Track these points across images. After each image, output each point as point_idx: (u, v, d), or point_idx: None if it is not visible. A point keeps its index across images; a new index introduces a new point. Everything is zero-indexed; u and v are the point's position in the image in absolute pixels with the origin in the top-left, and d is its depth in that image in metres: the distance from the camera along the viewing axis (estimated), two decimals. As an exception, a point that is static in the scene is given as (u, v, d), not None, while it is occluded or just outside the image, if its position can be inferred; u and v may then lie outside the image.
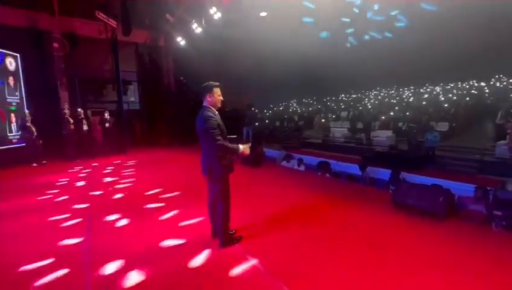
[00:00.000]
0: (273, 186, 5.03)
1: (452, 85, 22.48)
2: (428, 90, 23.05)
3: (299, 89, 28.92)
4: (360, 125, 14.90)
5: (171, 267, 2.35)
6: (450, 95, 18.79)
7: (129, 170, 6.71)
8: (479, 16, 19.11)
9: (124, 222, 3.41)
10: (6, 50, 8.13)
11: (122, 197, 4.53)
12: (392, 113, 15.44)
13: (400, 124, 13.53)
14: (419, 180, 6.10)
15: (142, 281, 2.15)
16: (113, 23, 8.58)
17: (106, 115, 9.29)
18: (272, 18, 12.41)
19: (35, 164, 7.65)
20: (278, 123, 19.38)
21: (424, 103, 17.31)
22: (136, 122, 13.15)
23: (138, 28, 11.10)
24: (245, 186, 4.94)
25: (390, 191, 4.87)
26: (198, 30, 9.99)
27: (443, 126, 12.09)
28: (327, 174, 7.05)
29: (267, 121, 19.88)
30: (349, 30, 21.07)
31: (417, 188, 3.56)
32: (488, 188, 4.05)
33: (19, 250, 2.75)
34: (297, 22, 17.97)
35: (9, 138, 8.04)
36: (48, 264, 2.45)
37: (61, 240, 2.92)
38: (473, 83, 22.37)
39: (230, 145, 2.53)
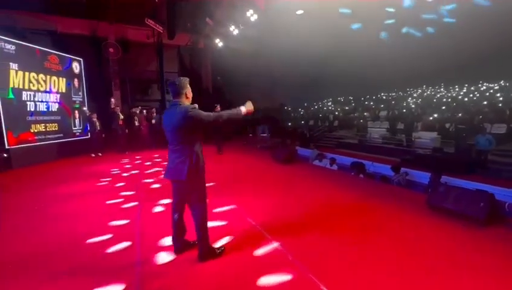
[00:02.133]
0: (304, 184, 5.10)
1: (507, 84, 19.94)
2: (484, 88, 20.71)
3: (334, 88, 28.14)
4: (400, 125, 14.05)
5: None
6: (512, 94, 16.70)
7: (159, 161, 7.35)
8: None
9: (159, 209, 3.83)
10: (73, 55, 9.43)
11: (160, 187, 5.02)
12: (436, 115, 14.27)
13: (447, 125, 12.46)
14: (465, 186, 5.67)
15: (180, 257, 2.48)
16: (160, 28, 9.39)
17: (152, 112, 10.23)
18: (308, 16, 12.34)
19: (93, 155, 8.75)
20: (312, 122, 19.17)
21: (476, 102, 15.66)
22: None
23: (180, 32, 11.93)
24: (275, 184, 5.13)
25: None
26: (235, 32, 10.41)
27: (500, 128, 10.85)
28: (361, 175, 6.90)
29: (302, 122, 19.75)
30: (389, 21, 19.82)
31: (456, 191, 3.38)
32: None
33: (84, 226, 3.29)
34: (334, 17, 17.52)
35: (74, 131, 9.33)
36: (109, 239, 2.92)
37: (116, 220, 3.42)
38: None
39: (230, 111, 2.30)
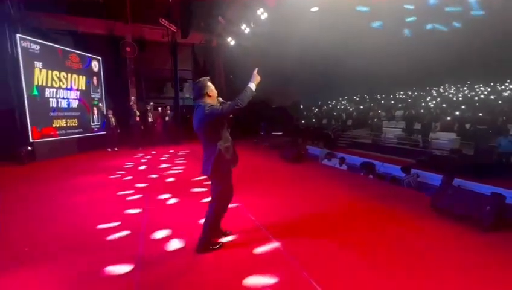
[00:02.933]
0: (310, 184, 5.08)
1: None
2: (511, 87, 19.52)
3: (350, 86, 27.52)
4: (417, 125, 13.59)
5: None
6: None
7: (181, 159, 7.55)
8: None
9: (173, 200, 4.01)
10: (92, 54, 9.89)
11: (173, 181, 5.22)
12: (457, 114, 13.65)
13: (468, 125, 11.91)
14: (481, 189, 5.43)
15: (181, 248, 2.61)
16: (173, 28, 9.64)
17: (166, 109, 10.56)
18: (322, 13, 12.14)
19: (109, 149, 9.16)
20: (325, 121, 18.91)
21: (505, 101, 14.78)
22: (190, 116, 14.43)
23: (194, 31, 12.16)
24: (280, 183, 5.17)
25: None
26: (247, 31, 10.48)
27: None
28: (370, 175, 6.78)
29: (313, 120, 19.54)
30: (410, 19, 19.08)
31: (462, 193, 3.28)
32: None
33: (95, 214, 3.51)
34: (350, 13, 17.11)
35: (92, 126, 9.81)
36: (116, 226, 3.11)
37: (126, 210, 3.62)
38: None
39: (242, 94, 2.25)
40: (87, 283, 2.10)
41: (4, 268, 2.31)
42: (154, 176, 5.62)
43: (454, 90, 22.51)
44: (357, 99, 27.96)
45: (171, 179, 5.30)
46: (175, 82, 11.17)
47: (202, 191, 4.39)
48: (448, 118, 12.83)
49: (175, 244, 2.67)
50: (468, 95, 18.12)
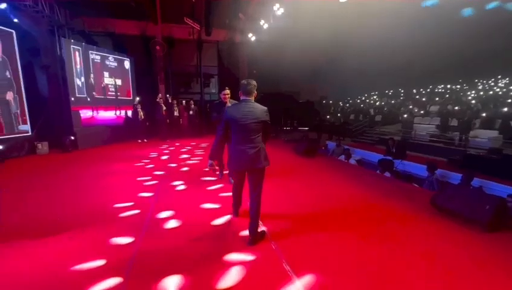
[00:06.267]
0: (315, 177, 5.16)
1: None
2: None
3: (382, 79, 25.96)
4: (453, 122, 12.54)
5: (201, 221, 3.08)
6: None
7: (200, 151, 8.03)
8: None
9: (182, 187, 4.42)
10: (126, 54, 10.83)
11: (188, 170, 5.65)
12: (506, 109, 12.27)
13: (512, 123, 10.69)
14: (507, 191, 4.99)
15: (178, 226, 2.96)
16: (197, 26, 10.12)
17: (191, 103, 11.18)
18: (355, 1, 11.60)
19: (139, 141, 10.02)
20: (352, 116, 18.27)
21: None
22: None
23: (218, 28, 12.56)
24: (285, 174, 5.30)
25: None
26: (265, 26, 10.56)
27: None
28: (386, 173, 6.57)
29: (338, 115, 18.98)
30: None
31: (465, 192, 3.15)
32: None
33: (114, 195, 4.04)
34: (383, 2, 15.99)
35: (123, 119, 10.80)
36: (129, 206, 3.58)
37: (140, 193, 4.10)
38: None
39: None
40: (97, 249, 2.53)
41: (43, 234, 2.86)
42: (172, 165, 6.13)
43: (505, 83, 20.00)
44: (390, 93, 26.31)
45: (186, 169, 5.74)
46: (199, 78, 11.72)
47: (211, 180, 4.73)
48: (484, 114, 11.63)
49: (173, 223, 3.04)
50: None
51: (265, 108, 2.55)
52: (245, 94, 2.56)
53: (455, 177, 6.58)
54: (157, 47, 11.68)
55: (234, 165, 2.60)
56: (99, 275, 2.11)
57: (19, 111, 7.40)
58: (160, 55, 11.82)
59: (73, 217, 3.28)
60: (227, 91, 4.21)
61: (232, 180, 3.45)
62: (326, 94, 22.39)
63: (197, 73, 13.04)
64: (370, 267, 2.20)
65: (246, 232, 2.71)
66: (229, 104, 3.95)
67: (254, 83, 2.58)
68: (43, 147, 7.81)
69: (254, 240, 2.54)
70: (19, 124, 7.42)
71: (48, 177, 5.26)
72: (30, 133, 7.71)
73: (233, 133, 2.54)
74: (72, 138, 8.22)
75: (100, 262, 2.29)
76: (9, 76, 7.16)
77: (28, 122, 7.68)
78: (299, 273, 2.11)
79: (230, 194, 3.22)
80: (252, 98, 2.57)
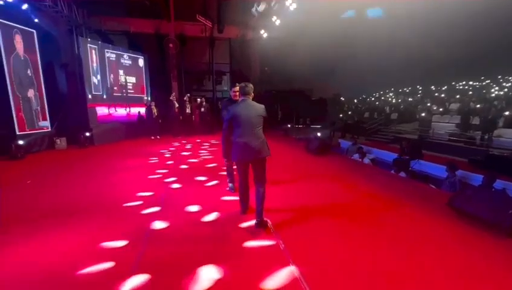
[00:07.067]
0: (332, 178, 4.96)
1: None
2: None
3: (399, 76, 25.04)
4: (475, 120, 11.94)
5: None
6: None
7: (206, 146, 8.09)
8: None
9: (176, 185, 4.42)
10: (140, 51, 11.05)
11: (187, 167, 5.69)
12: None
13: (542, 121, 10.05)
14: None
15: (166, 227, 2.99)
16: (209, 23, 10.16)
17: (202, 101, 11.26)
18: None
19: (152, 137, 10.21)
20: (367, 114, 17.80)
21: None
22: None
23: (231, 25, 12.54)
24: (293, 173, 5.21)
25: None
26: (277, 22, 10.42)
27: None
28: (401, 173, 6.33)
29: (349, 113, 18.54)
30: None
31: (486, 194, 2.97)
32: None
33: (124, 190, 4.12)
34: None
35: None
36: (144, 196, 3.65)
37: (139, 192, 4.18)
38: None
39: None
40: (101, 236, 2.58)
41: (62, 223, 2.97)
42: (170, 162, 6.17)
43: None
44: (407, 91, 25.33)
45: (185, 166, 5.74)
46: (211, 75, 11.78)
47: (205, 180, 4.71)
48: (508, 113, 10.99)
49: (160, 224, 3.06)
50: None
51: (263, 105, 2.88)
52: (244, 94, 2.89)
53: (476, 178, 6.25)
54: (170, 45, 11.83)
55: (239, 156, 2.80)
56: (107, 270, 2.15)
57: (39, 108, 7.71)
58: (173, 53, 11.97)
59: (84, 209, 3.38)
60: (238, 88, 3.98)
61: (232, 187, 3.86)
62: (339, 91, 21.94)
63: (209, 70, 13.10)
64: (377, 268, 2.11)
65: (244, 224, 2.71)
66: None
67: (251, 85, 2.93)
68: (61, 142, 8.11)
69: (261, 223, 2.74)
70: (39, 121, 7.73)
71: (65, 172, 5.46)
72: (50, 129, 8.03)
73: (237, 127, 2.79)
74: (88, 134, 8.49)
75: (107, 257, 2.33)
76: (30, 74, 7.47)
77: (48, 119, 8.00)
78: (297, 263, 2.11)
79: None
80: (250, 98, 2.89)
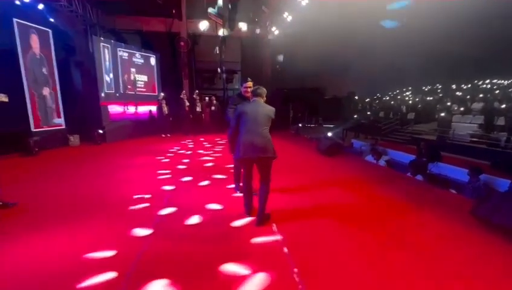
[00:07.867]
0: (343, 180, 4.76)
1: None
2: None
3: (418, 74, 24.00)
4: (500, 121, 11.23)
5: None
6: None
7: (220, 144, 8.02)
8: None
9: (170, 187, 4.36)
10: (152, 50, 11.12)
11: (186, 166, 5.62)
12: None
13: None
14: None
15: (199, 223, 2.88)
16: (220, 21, 10.08)
17: (212, 99, 11.22)
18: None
19: (163, 135, 10.27)
20: (382, 114, 17.20)
21: None
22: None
23: (242, 23, 12.38)
24: (301, 174, 5.02)
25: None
26: (289, 18, 10.18)
27: None
28: (418, 176, 5.98)
29: (368, 113, 17.97)
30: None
31: (515, 203, 2.67)
32: None
33: (132, 187, 4.09)
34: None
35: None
36: (148, 197, 3.61)
37: (159, 185, 4.13)
38: None
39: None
40: (115, 238, 2.52)
41: (75, 219, 2.94)
42: (166, 160, 6.15)
43: None
44: (426, 89, 24.27)
45: (183, 167, 5.60)
46: (221, 73, 11.73)
47: (224, 178, 4.63)
48: None
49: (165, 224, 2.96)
50: None
51: (273, 108, 2.91)
52: (256, 96, 2.96)
53: (501, 183, 5.81)
54: (182, 43, 11.85)
55: (244, 153, 2.78)
56: (105, 265, 2.08)
57: (53, 106, 7.89)
58: (184, 51, 11.99)
59: (94, 205, 3.39)
60: (250, 83, 3.46)
61: (238, 189, 3.79)
62: (354, 90, 21.34)
63: (220, 69, 13.02)
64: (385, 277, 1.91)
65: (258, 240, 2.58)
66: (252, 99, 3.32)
67: (264, 89, 3.01)
68: (74, 139, 8.28)
69: (261, 221, 2.81)
70: (54, 118, 7.92)
71: (77, 168, 5.53)
72: (64, 126, 8.22)
73: (244, 125, 2.81)
74: (101, 131, 8.62)
75: (110, 253, 2.32)
76: (45, 73, 7.64)
77: (62, 116, 8.18)
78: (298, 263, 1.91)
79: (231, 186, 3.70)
80: (262, 100, 2.94)
